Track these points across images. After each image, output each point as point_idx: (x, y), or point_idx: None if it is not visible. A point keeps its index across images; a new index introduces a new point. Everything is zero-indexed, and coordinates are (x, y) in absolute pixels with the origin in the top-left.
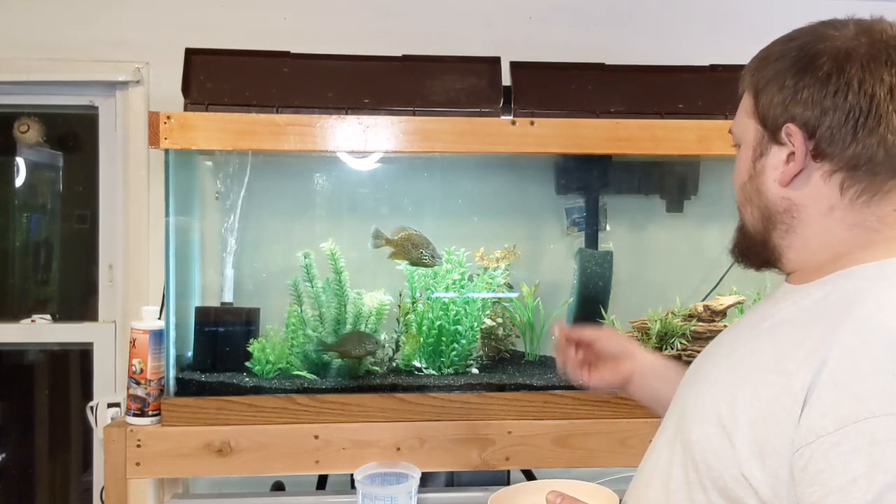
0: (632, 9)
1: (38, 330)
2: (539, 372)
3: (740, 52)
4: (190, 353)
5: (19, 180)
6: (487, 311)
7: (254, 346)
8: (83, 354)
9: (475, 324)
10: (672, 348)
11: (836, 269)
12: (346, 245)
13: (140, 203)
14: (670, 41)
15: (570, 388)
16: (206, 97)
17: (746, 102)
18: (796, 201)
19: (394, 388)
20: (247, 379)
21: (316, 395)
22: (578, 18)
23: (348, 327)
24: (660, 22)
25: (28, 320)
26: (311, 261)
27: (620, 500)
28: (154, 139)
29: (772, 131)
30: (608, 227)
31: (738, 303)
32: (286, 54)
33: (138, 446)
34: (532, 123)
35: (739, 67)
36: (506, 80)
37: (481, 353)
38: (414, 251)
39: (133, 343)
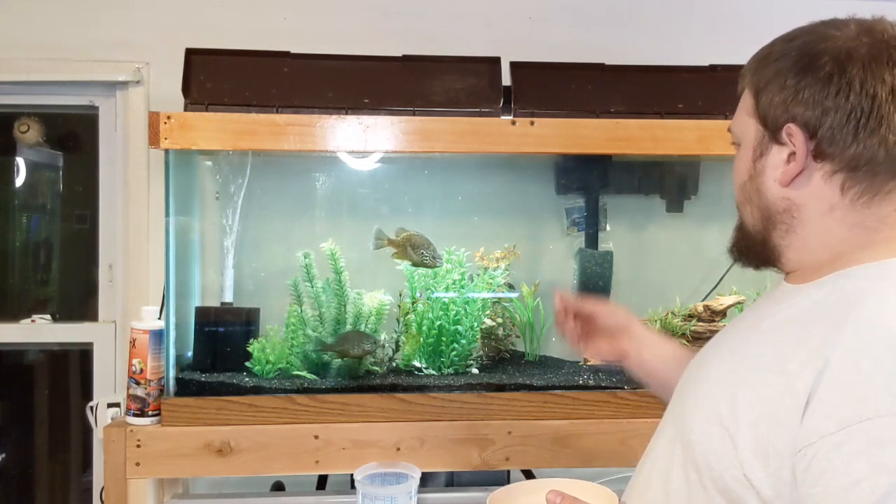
0: (632, 9)
1: (38, 330)
2: (539, 372)
3: (740, 52)
4: (190, 353)
5: (19, 180)
6: (487, 311)
7: (254, 346)
8: (83, 354)
9: (475, 324)
10: None
11: (836, 269)
12: (346, 245)
13: (140, 203)
14: (670, 41)
15: (571, 387)
16: (206, 97)
17: (747, 101)
18: (796, 201)
19: (394, 388)
20: (247, 379)
21: (316, 395)
22: (578, 18)
23: (348, 327)
24: (660, 22)
25: (28, 320)
26: (311, 261)
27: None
28: (154, 139)
29: (772, 131)
30: (608, 227)
31: (738, 303)
32: (286, 54)
33: (138, 446)
34: (532, 123)
35: (739, 67)
36: (506, 80)
37: (481, 353)
38: (415, 252)
39: (133, 343)
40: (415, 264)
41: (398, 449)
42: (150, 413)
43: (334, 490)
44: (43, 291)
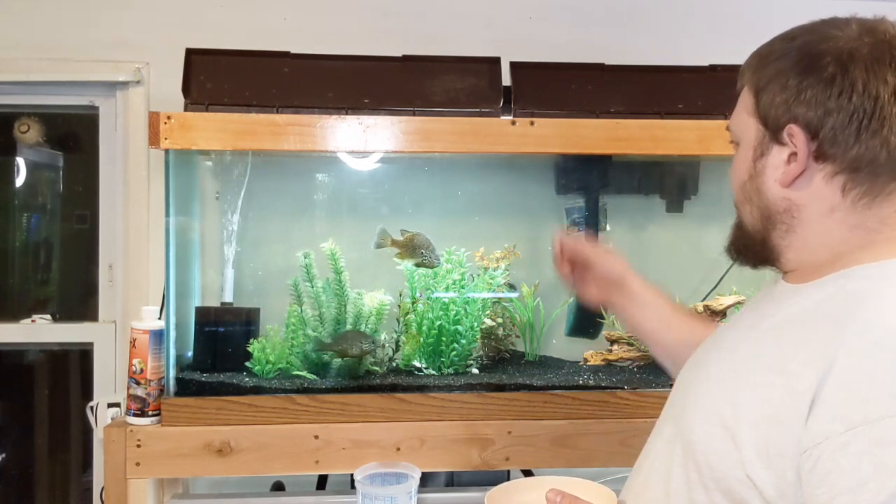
0: (632, 9)
1: (38, 330)
2: (539, 372)
3: (740, 52)
4: (190, 353)
5: (19, 180)
6: (487, 311)
7: (254, 346)
8: (83, 354)
9: (475, 324)
10: None
11: (836, 269)
12: (346, 245)
13: (140, 203)
14: (670, 41)
15: (571, 387)
16: (207, 97)
17: (747, 100)
18: (797, 202)
19: (394, 388)
20: (247, 379)
21: (316, 395)
22: (578, 18)
23: (348, 327)
24: (660, 22)
25: (28, 320)
26: (311, 261)
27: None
28: (154, 139)
29: (773, 131)
30: (608, 227)
31: (738, 303)
32: (286, 54)
33: (138, 446)
34: (532, 123)
35: (739, 67)
36: (506, 80)
37: (481, 353)
38: (415, 252)
39: (133, 343)
40: (417, 264)
41: (398, 449)
42: (150, 413)
43: (334, 490)
44: (43, 291)
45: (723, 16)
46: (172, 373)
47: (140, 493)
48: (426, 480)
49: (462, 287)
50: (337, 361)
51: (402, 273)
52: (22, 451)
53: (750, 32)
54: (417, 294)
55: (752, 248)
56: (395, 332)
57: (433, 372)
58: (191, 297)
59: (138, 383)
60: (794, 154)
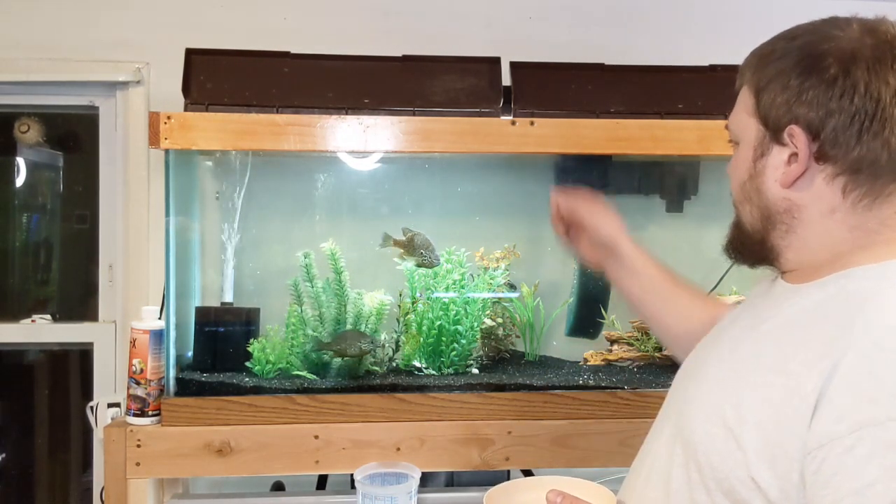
0: (632, 9)
1: (38, 330)
2: (539, 372)
3: (740, 52)
4: (190, 353)
5: (19, 180)
6: (487, 311)
7: (254, 346)
8: (83, 354)
9: (475, 324)
10: None
11: (835, 270)
12: (346, 245)
13: (140, 203)
14: (670, 41)
15: (571, 387)
16: (207, 97)
17: (746, 100)
18: (797, 202)
19: (394, 388)
20: (247, 379)
21: (316, 395)
22: (578, 18)
23: (348, 327)
24: (660, 22)
25: (28, 320)
26: (311, 261)
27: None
28: (154, 139)
29: (774, 131)
30: None
31: (738, 303)
32: (286, 54)
33: (138, 446)
34: (532, 123)
35: (739, 67)
36: (506, 80)
37: (481, 353)
38: (415, 252)
39: (133, 343)
40: (419, 265)
41: (398, 449)
42: (150, 413)
43: (334, 490)
44: (43, 291)
45: (723, 16)
46: (172, 373)
47: (140, 493)
48: (426, 480)
49: (462, 287)
50: (337, 361)
51: (402, 273)
52: (22, 451)
53: (750, 32)
54: (417, 294)
55: (751, 248)
56: (395, 332)
57: (433, 372)
58: (191, 297)
59: (138, 383)
60: (794, 155)
